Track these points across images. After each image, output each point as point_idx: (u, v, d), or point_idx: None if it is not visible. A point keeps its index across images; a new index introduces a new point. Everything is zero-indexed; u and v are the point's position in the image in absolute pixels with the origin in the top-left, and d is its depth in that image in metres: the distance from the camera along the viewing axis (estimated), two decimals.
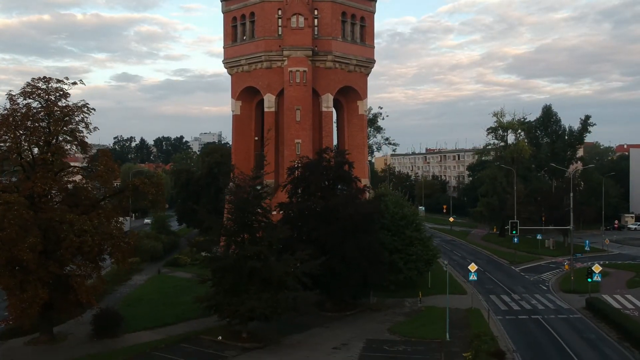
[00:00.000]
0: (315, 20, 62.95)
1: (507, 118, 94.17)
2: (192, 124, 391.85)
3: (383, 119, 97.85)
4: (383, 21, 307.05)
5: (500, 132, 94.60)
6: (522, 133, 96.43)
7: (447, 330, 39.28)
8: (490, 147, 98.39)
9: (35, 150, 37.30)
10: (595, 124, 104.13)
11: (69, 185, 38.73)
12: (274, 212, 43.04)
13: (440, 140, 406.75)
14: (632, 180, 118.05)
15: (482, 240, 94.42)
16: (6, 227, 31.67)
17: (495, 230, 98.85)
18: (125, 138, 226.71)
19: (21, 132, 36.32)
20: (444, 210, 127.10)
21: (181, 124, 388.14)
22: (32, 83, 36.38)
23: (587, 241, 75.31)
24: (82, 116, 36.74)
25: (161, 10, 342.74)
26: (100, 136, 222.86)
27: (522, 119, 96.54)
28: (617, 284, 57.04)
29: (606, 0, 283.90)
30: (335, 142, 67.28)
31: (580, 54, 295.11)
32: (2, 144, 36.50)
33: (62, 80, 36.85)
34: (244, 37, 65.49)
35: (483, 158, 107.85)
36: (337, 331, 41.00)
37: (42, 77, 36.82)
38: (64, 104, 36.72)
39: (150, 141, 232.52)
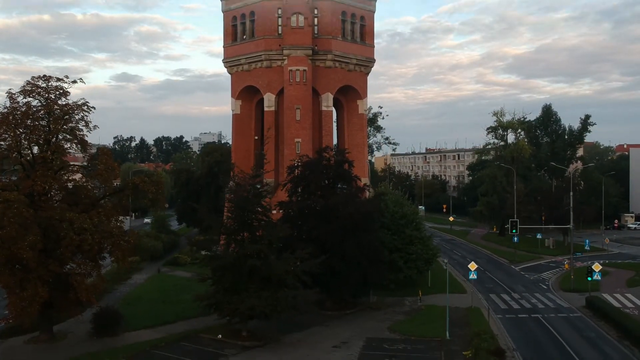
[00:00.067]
0: (315, 20, 62.98)
1: (507, 117, 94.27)
2: (192, 124, 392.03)
3: (383, 118, 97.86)
4: (383, 21, 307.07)
5: (500, 131, 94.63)
6: (522, 132, 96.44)
7: (447, 328, 39.28)
8: (490, 146, 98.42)
9: (35, 148, 37.30)
10: (595, 124, 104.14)
11: (68, 184, 38.72)
12: (274, 211, 43.06)
13: (440, 140, 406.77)
14: (632, 180, 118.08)
15: (482, 240, 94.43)
16: (6, 225, 31.67)
17: (495, 229, 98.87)
18: (125, 138, 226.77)
19: (21, 130, 36.31)
20: (444, 210, 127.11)
21: (181, 124, 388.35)
22: (32, 81, 36.36)
23: (587, 240, 75.32)
24: (82, 114, 36.75)
25: (161, 10, 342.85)
26: (100, 136, 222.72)
27: (522, 119, 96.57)
28: (617, 283, 57.06)
29: (606, 0, 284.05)
30: (335, 141, 67.32)
31: (580, 54, 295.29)
32: (2, 143, 36.47)
33: (62, 79, 36.88)
34: (244, 37, 65.53)
35: (483, 157, 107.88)
36: (337, 330, 40.99)
37: (42, 75, 36.84)
38: (64, 103, 36.72)
39: (150, 141, 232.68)
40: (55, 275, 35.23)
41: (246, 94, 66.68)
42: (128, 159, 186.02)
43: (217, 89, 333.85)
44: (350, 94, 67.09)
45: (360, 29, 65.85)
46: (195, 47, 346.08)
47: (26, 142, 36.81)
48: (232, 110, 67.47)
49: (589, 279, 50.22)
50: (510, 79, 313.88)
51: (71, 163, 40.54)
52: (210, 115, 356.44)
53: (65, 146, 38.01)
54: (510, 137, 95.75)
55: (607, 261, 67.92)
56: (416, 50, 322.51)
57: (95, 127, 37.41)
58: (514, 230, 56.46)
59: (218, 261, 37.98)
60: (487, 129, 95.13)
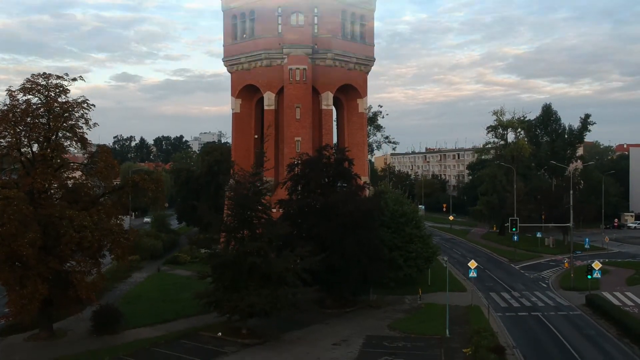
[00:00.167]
0: (315, 18, 63.03)
1: (507, 117, 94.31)
2: (192, 124, 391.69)
3: (383, 117, 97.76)
4: (383, 21, 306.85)
5: (500, 130, 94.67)
6: (522, 132, 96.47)
7: (447, 326, 39.28)
8: (490, 145, 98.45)
9: (35, 146, 37.28)
10: (594, 123, 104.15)
11: (68, 182, 38.72)
12: (274, 210, 43.07)
13: (440, 140, 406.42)
14: (632, 179, 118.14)
15: (482, 239, 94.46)
16: (6, 222, 31.64)
17: (495, 228, 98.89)
18: (125, 138, 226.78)
19: (21, 128, 36.29)
20: (444, 209, 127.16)
21: (181, 124, 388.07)
22: (32, 79, 36.33)
23: (587, 239, 75.39)
24: (82, 112, 36.72)
25: (161, 11, 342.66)
26: (100, 136, 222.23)
27: (522, 118, 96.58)
28: (617, 282, 57.09)
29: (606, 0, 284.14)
30: (335, 140, 67.37)
31: (580, 54, 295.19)
32: (2, 140, 36.45)
33: (61, 77, 36.83)
34: (244, 35, 65.56)
35: (483, 157, 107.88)
36: (337, 327, 40.98)
37: (41, 73, 36.80)
38: (64, 100, 36.68)
39: (150, 141, 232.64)
40: (55, 273, 35.23)
41: (246, 92, 66.72)
42: (128, 159, 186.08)
43: (217, 89, 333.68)
44: (350, 93, 67.12)
45: (360, 28, 65.87)
46: (195, 47, 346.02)
47: (26, 140, 36.79)
48: (232, 109, 67.50)
49: (589, 277, 50.26)
50: (510, 79, 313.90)
51: (71, 162, 40.43)
52: (210, 116, 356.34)
53: (65, 144, 37.98)
54: (510, 137, 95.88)
55: (607, 260, 67.95)
56: (416, 50, 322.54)
57: (95, 124, 37.44)
58: (513, 229, 56.50)
59: (218, 259, 37.96)
60: (487, 128, 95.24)
